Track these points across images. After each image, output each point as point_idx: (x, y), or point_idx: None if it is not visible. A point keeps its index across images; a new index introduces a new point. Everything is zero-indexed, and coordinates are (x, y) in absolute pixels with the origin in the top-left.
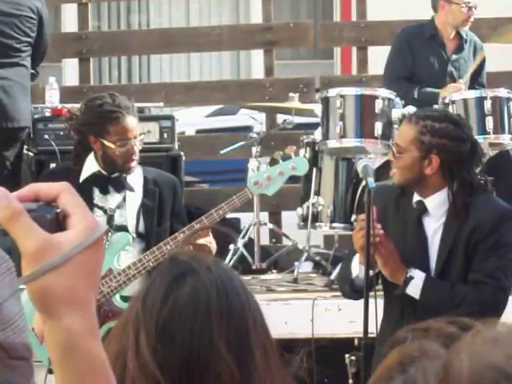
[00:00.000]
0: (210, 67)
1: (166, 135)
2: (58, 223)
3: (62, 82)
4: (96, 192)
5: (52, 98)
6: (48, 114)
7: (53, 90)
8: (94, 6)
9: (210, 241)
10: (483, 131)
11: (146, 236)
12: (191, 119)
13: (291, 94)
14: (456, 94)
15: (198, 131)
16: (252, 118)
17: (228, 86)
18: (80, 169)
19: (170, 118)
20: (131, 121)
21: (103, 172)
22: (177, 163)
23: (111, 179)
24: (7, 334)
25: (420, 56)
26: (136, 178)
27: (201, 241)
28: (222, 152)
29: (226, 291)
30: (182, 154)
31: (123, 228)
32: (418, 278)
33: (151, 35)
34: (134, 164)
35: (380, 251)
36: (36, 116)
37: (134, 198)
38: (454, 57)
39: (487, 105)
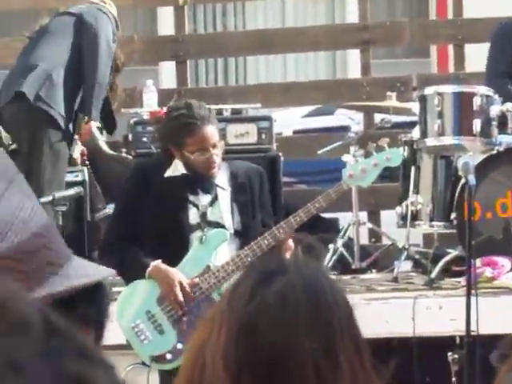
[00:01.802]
0: (306, 67)
1: (263, 136)
2: None
3: (159, 85)
4: (187, 191)
5: (150, 100)
6: (146, 117)
7: (151, 92)
8: (189, 9)
9: (290, 243)
10: None
11: (242, 232)
12: (288, 120)
13: (389, 93)
14: None
15: (295, 132)
16: (349, 118)
17: (324, 85)
18: (167, 166)
19: (268, 118)
20: (208, 130)
21: (190, 174)
22: (275, 164)
23: (199, 180)
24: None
25: None
26: (222, 176)
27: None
28: (319, 152)
29: (315, 293)
30: (280, 154)
31: (219, 225)
32: None
33: (247, 37)
34: (215, 171)
35: None
36: (134, 119)
37: (225, 196)
38: None
39: None
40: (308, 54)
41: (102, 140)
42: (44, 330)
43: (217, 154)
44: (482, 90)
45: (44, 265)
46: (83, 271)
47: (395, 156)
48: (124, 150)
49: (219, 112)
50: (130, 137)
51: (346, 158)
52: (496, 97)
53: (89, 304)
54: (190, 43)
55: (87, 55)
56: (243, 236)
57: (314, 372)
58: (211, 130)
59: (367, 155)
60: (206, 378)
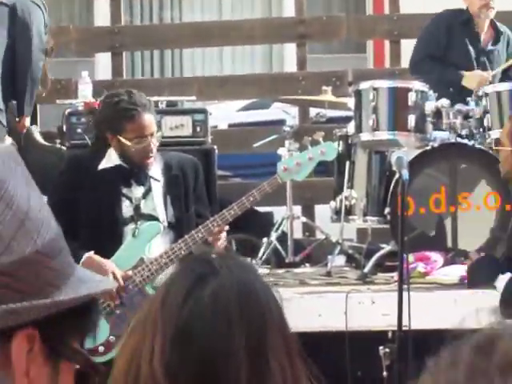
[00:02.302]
0: (243, 61)
1: (198, 129)
2: None
3: (95, 77)
4: (120, 184)
5: (85, 92)
6: (81, 108)
7: (86, 84)
8: (126, 2)
9: (222, 236)
10: None
11: (176, 224)
12: (224, 113)
13: (324, 88)
14: (489, 87)
15: (230, 125)
16: (285, 112)
17: (261, 79)
18: (101, 157)
19: (203, 111)
20: (148, 118)
21: (124, 165)
22: (209, 157)
23: (133, 173)
24: (44, 236)
25: (455, 40)
26: (156, 167)
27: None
28: (255, 145)
29: (246, 294)
30: (215, 147)
31: (152, 217)
32: None
33: (184, 29)
34: (151, 161)
35: None
36: (69, 110)
37: (159, 188)
38: (489, 48)
39: None
40: (245, 48)
41: (36, 130)
42: None
43: (154, 144)
44: (417, 85)
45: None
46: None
47: (330, 150)
48: (58, 140)
49: (155, 104)
50: (65, 128)
51: (280, 151)
52: (431, 92)
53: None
54: (126, 34)
55: (19, 49)
56: (176, 228)
57: (248, 373)
58: (150, 118)
59: (302, 149)
60: None
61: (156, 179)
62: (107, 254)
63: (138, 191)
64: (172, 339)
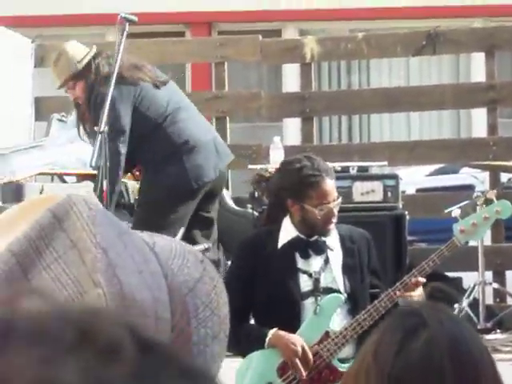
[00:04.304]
0: (430, 126)
1: (389, 194)
2: None
3: (284, 142)
4: (297, 257)
5: (276, 157)
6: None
7: (277, 149)
8: (315, 67)
9: (420, 293)
10: None
11: (352, 295)
12: (412, 178)
13: None
14: None
15: (418, 190)
16: (473, 177)
17: (450, 144)
18: (277, 232)
19: (395, 177)
20: (331, 184)
21: (302, 236)
22: (400, 222)
23: (311, 243)
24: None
25: None
26: (333, 237)
27: (413, 293)
28: (446, 211)
29: (459, 348)
30: (406, 213)
31: (330, 290)
32: None
33: (373, 95)
34: (332, 226)
35: None
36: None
37: (336, 258)
38: None
39: None
40: (431, 113)
41: (228, 195)
42: (137, 350)
43: (336, 209)
44: None
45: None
46: None
47: (505, 208)
48: (250, 205)
49: (345, 169)
50: (256, 193)
51: (455, 212)
52: None
53: None
54: (315, 100)
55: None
56: (353, 299)
57: None
58: (333, 184)
59: (476, 209)
60: None
61: (332, 249)
62: (287, 331)
63: (316, 262)
64: None
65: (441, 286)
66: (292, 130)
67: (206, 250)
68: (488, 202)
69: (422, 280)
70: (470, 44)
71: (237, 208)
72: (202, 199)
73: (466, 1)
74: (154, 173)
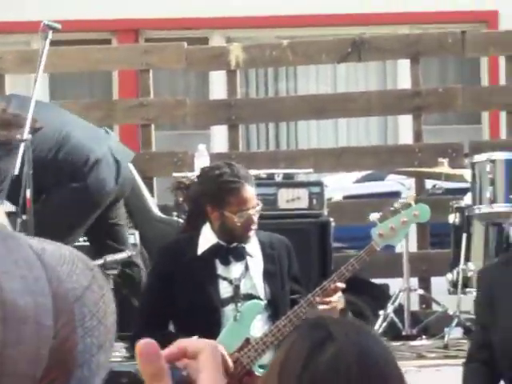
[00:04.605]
0: (358, 132)
1: (315, 201)
2: None
3: (211, 149)
4: (217, 263)
5: (201, 165)
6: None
7: (203, 157)
8: (241, 74)
9: (339, 298)
10: None
11: (273, 301)
12: (340, 185)
13: (440, 160)
14: None
15: (345, 197)
16: (400, 184)
17: (377, 151)
18: (197, 239)
19: (320, 184)
20: (250, 190)
21: (222, 243)
22: (326, 229)
23: (231, 249)
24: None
25: None
26: (253, 243)
27: (332, 298)
28: (370, 217)
29: (365, 360)
30: (332, 220)
31: (251, 296)
32: None
33: (299, 101)
34: (252, 233)
35: None
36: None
37: (256, 265)
38: None
39: None
40: (359, 120)
41: (153, 203)
42: None
43: (256, 216)
44: None
45: None
46: None
47: (423, 212)
48: (175, 213)
49: (270, 176)
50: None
51: (372, 217)
52: None
53: None
54: (241, 107)
55: None
56: (274, 305)
57: None
58: (252, 191)
59: (394, 213)
60: None
61: (252, 255)
62: (207, 337)
63: (236, 269)
64: None
65: (352, 298)
66: (219, 137)
67: (129, 257)
68: (407, 206)
69: (342, 285)
70: (394, 51)
71: (162, 216)
72: (107, 208)
73: (392, 8)
74: (57, 193)
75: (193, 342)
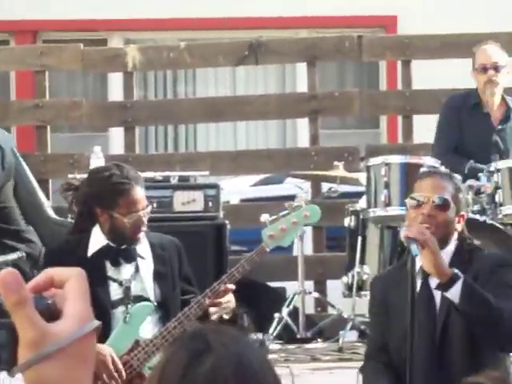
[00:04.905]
0: (257, 136)
1: (210, 204)
2: (49, 314)
3: (109, 151)
4: (108, 265)
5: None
6: None
7: (98, 159)
8: (140, 76)
9: (230, 299)
10: None
11: (163, 303)
12: (237, 188)
13: (336, 163)
14: (501, 162)
15: (242, 200)
16: (297, 187)
17: (274, 154)
18: (86, 240)
19: (215, 186)
20: (140, 192)
21: (112, 244)
22: (221, 232)
23: (121, 251)
24: None
25: (466, 125)
26: (144, 245)
27: (222, 299)
28: (263, 220)
29: (242, 371)
30: (227, 222)
31: (141, 298)
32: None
33: (197, 104)
34: (141, 235)
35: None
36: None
37: (147, 266)
38: (500, 127)
39: None
40: (258, 123)
41: (48, 206)
42: None
43: (145, 217)
44: (429, 161)
45: None
46: None
47: (313, 213)
48: (70, 215)
49: (166, 179)
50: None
51: (263, 218)
52: (442, 168)
53: None
54: (138, 109)
55: None
56: (164, 307)
57: None
58: (142, 193)
59: (285, 214)
60: None
61: (143, 257)
62: (98, 340)
63: (126, 270)
64: None
65: (247, 302)
66: (117, 139)
67: (20, 258)
68: (297, 207)
69: (232, 287)
70: (291, 54)
71: (57, 217)
72: None
73: (291, 12)
74: None
75: (59, 271)
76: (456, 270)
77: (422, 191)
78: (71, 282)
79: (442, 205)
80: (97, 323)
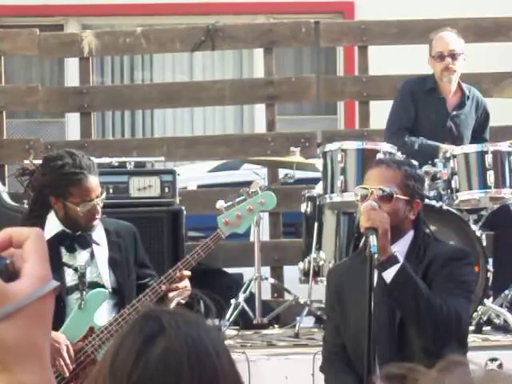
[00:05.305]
0: (214, 122)
1: (166, 190)
2: (7, 274)
3: (66, 137)
4: (63, 251)
5: None
6: None
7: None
8: (97, 62)
9: (186, 285)
10: (484, 185)
11: (118, 289)
12: (194, 174)
13: (292, 149)
14: (457, 148)
15: (199, 186)
16: (255, 173)
17: (231, 140)
18: (41, 227)
19: (172, 172)
20: (93, 181)
21: (67, 230)
22: (178, 218)
23: (76, 237)
24: None
25: (421, 109)
26: (99, 231)
27: (179, 285)
28: (218, 206)
29: (196, 353)
30: (183, 208)
31: (96, 284)
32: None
33: (153, 90)
34: (96, 222)
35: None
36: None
37: (102, 253)
38: (455, 112)
39: (488, 159)
40: (215, 109)
41: (4, 191)
42: None
43: (100, 205)
44: (385, 147)
45: None
46: None
47: (269, 199)
48: (26, 201)
49: (122, 165)
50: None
51: (219, 205)
52: (399, 154)
53: None
54: (94, 95)
55: None
56: (119, 294)
57: None
58: (96, 181)
59: (241, 201)
60: None
61: (98, 243)
62: (52, 326)
63: (82, 256)
64: None
65: (195, 292)
66: (74, 125)
67: None
68: (253, 194)
69: (187, 273)
70: (248, 40)
71: (13, 203)
72: None
73: None
74: None
75: (17, 231)
76: (398, 255)
77: (366, 182)
78: (30, 241)
79: (384, 196)
80: (55, 283)
